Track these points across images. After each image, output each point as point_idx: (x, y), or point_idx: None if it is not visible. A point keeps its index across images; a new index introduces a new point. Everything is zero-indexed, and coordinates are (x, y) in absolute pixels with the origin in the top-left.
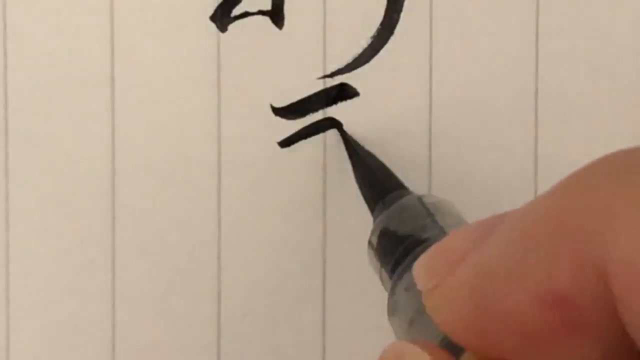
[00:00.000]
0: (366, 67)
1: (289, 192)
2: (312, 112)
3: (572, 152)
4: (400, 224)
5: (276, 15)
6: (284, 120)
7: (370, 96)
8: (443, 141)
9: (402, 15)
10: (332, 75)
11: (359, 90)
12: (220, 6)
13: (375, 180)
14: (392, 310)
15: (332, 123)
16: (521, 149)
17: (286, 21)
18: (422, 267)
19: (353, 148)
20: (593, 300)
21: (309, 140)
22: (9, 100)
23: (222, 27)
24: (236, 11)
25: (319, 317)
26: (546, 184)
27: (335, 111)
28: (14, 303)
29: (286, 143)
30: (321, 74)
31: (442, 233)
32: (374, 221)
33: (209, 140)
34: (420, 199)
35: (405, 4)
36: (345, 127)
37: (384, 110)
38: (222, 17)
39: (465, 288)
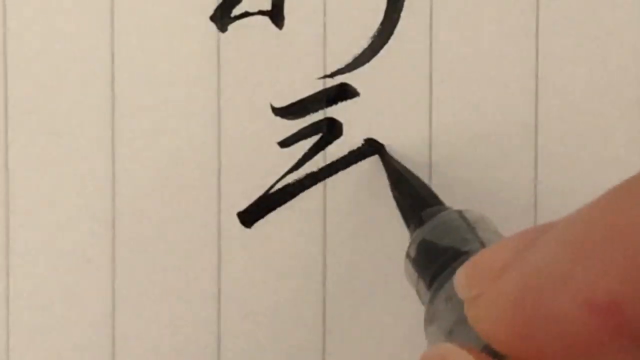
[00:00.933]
0: (366, 67)
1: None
2: (312, 112)
3: (572, 152)
4: (440, 236)
5: (276, 15)
6: (284, 120)
7: (370, 96)
8: (443, 141)
9: (402, 15)
10: (332, 75)
11: (359, 90)
12: (220, 6)
13: (414, 195)
14: (430, 320)
15: (370, 146)
16: (521, 149)
17: (286, 21)
18: (464, 276)
19: (391, 163)
20: None
21: (309, 140)
22: (9, 100)
23: (222, 27)
24: (236, 11)
25: (319, 317)
26: (546, 184)
27: (335, 111)
28: (14, 303)
29: (286, 143)
30: (321, 74)
31: (483, 247)
32: (411, 235)
33: (209, 140)
34: (460, 213)
35: (405, 4)
36: (345, 127)
37: (384, 110)
38: (222, 17)
39: (511, 295)
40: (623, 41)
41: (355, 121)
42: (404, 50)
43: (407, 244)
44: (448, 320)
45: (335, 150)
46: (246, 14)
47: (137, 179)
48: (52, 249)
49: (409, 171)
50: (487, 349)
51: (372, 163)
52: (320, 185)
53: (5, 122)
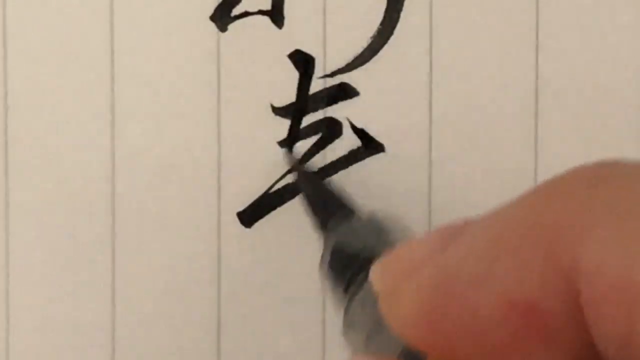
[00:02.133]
0: (366, 67)
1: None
2: (312, 112)
3: (572, 152)
4: (350, 243)
5: (276, 15)
6: (284, 120)
7: (370, 96)
8: (443, 141)
9: (402, 15)
10: (332, 74)
11: (359, 90)
12: (220, 6)
13: (321, 203)
14: (348, 326)
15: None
16: (521, 149)
17: (286, 21)
18: (380, 271)
19: (299, 173)
20: (561, 310)
21: (309, 140)
22: (9, 100)
23: (222, 27)
24: (236, 11)
25: (319, 317)
26: None
27: (335, 111)
28: (14, 303)
29: (286, 143)
30: (321, 73)
31: None
32: (324, 243)
33: (209, 140)
34: (368, 218)
35: (405, 4)
36: (345, 127)
37: (384, 110)
38: (222, 17)
39: (427, 290)
40: (623, 41)
41: (355, 121)
42: (404, 50)
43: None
44: (365, 326)
45: (335, 150)
46: (246, 14)
47: (137, 179)
48: (52, 249)
49: (315, 176)
50: (405, 352)
51: (372, 163)
52: None
53: (5, 122)
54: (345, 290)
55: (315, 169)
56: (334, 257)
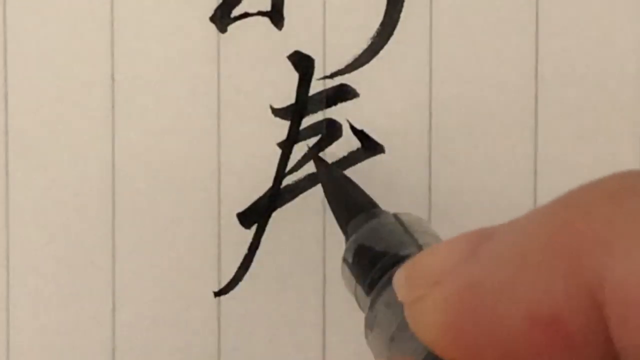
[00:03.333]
0: (366, 67)
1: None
2: (312, 112)
3: (572, 152)
4: (377, 241)
5: (276, 15)
6: (283, 122)
7: (370, 96)
8: (443, 141)
9: (402, 15)
10: (332, 75)
11: (359, 90)
12: (220, 7)
13: (347, 199)
14: (371, 326)
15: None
16: (521, 149)
17: (286, 21)
18: (404, 278)
19: (323, 169)
20: (585, 323)
21: (309, 140)
22: (9, 100)
23: (222, 28)
24: (236, 12)
25: (319, 317)
26: (546, 184)
27: (335, 112)
28: (14, 303)
29: (286, 144)
30: (321, 74)
31: (421, 250)
32: (347, 240)
33: (209, 140)
34: (396, 215)
35: (405, 4)
36: (345, 128)
37: (384, 110)
38: (222, 18)
39: (452, 301)
40: (623, 41)
41: (355, 121)
42: (404, 51)
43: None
44: (389, 327)
45: (335, 151)
46: (246, 15)
47: (137, 179)
48: (52, 249)
49: (343, 176)
50: (429, 357)
51: (372, 163)
52: (320, 186)
53: (5, 122)
54: (369, 289)
55: (340, 169)
56: (358, 254)
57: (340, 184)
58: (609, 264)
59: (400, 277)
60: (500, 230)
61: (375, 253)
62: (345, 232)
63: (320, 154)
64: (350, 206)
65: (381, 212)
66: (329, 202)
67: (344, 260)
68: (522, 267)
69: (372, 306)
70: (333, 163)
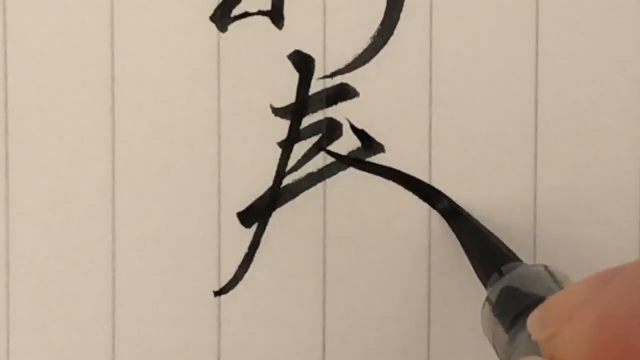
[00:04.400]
0: (366, 66)
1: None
2: (312, 111)
3: (572, 152)
4: (525, 284)
5: (276, 15)
6: (283, 121)
7: (370, 96)
8: (443, 141)
9: (402, 15)
10: (332, 75)
11: (359, 90)
12: (220, 6)
13: (492, 249)
14: (508, 357)
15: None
16: (521, 148)
17: (286, 21)
18: (538, 319)
19: (462, 221)
20: None
21: (309, 140)
22: (9, 100)
23: (222, 27)
24: (236, 11)
25: (319, 317)
26: (546, 184)
27: (335, 112)
28: (14, 303)
29: (286, 143)
30: (321, 74)
31: None
32: (489, 286)
33: (209, 140)
34: (546, 267)
35: (405, 4)
36: (345, 127)
37: (384, 110)
38: (222, 17)
39: (587, 332)
40: (623, 41)
41: (355, 121)
42: (403, 50)
43: (488, 290)
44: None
45: (335, 150)
46: (246, 14)
47: (137, 179)
48: (52, 249)
49: (479, 224)
50: None
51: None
52: (320, 185)
53: (6, 122)
54: (510, 327)
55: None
56: (503, 294)
57: (483, 234)
58: None
59: (534, 318)
60: (629, 266)
61: (521, 294)
62: (487, 278)
63: (320, 154)
64: (496, 256)
65: (521, 263)
66: (471, 251)
67: (487, 299)
68: None
69: (512, 339)
70: (469, 214)
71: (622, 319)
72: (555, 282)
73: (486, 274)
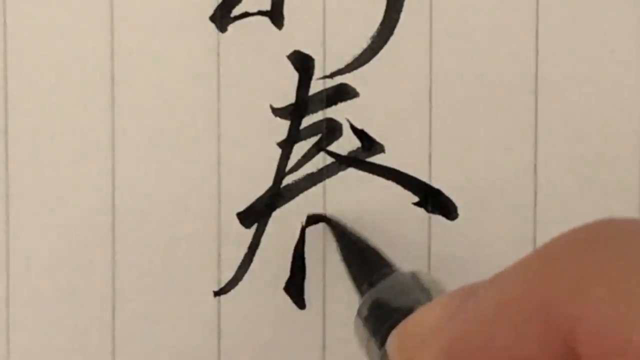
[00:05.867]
0: (366, 67)
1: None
2: (312, 112)
3: (572, 153)
4: (394, 296)
5: (276, 15)
6: (284, 120)
7: (370, 96)
8: (443, 141)
9: (402, 15)
10: (332, 75)
11: (359, 90)
12: (220, 6)
13: (364, 257)
14: None
15: (316, 216)
16: (521, 149)
17: (286, 21)
18: (395, 343)
19: (340, 231)
20: None
21: (309, 140)
22: (9, 100)
23: (222, 27)
24: (236, 11)
25: (319, 317)
26: (546, 184)
27: (334, 112)
28: (14, 303)
29: (286, 143)
30: (321, 74)
31: None
32: (362, 296)
33: (209, 141)
34: (413, 274)
35: (405, 4)
36: (345, 128)
37: (384, 110)
38: (222, 18)
39: (438, 358)
40: (623, 41)
41: (355, 121)
42: (403, 50)
43: (361, 300)
44: None
45: (335, 150)
46: (246, 14)
47: (137, 179)
48: (52, 250)
49: (356, 235)
50: None
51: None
52: (320, 185)
53: (5, 122)
54: (381, 345)
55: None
56: (373, 309)
57: (354, 241)
58: (581, 314)
59: (392, 342)
60: (482, 286)
61: (391, 308)
62: (359, 288)
63: (320, 154)
64: (365, 264)
65: (395, 270)
66: (345, 262)
67: (359, 313)
68: (500, 320)
69: (385, 355)
70: (339, 221)
71: (470, 344)
72: (423, 290)
73: (358, 286)
